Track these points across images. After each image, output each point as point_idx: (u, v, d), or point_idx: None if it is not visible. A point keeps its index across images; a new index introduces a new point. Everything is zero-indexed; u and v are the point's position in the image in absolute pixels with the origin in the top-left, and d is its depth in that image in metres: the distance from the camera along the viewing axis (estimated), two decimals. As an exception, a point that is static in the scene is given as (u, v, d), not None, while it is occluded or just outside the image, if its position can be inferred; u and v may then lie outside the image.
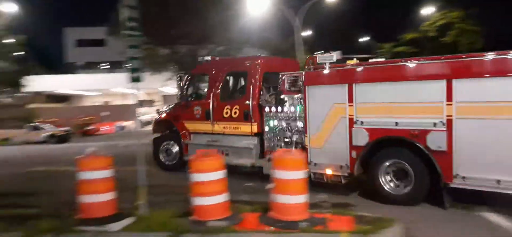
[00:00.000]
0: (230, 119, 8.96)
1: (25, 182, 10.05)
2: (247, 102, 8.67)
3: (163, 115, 10.66)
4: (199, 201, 5.60)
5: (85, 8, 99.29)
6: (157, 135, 10.70)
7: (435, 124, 6.18)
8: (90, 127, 33.10)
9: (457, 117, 5.98)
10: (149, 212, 6.10)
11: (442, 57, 6.33)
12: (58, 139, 25.71)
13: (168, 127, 10.37)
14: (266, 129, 8.48)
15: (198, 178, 5.60)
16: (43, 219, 5.94)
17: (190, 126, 9.76)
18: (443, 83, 6.05)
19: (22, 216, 6.21)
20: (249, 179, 8.95)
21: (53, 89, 44.03)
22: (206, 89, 9.56)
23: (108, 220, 5.73)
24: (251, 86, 8.68)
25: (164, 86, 27.43)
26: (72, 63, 54.08)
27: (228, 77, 9.40)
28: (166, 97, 40.70)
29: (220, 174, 5.70)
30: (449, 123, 6.06)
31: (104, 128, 33.88)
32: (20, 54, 24.32)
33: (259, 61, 8.85)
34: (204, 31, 19.34)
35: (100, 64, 54.54)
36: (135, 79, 6.17)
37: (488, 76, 5.71)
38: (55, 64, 59.18)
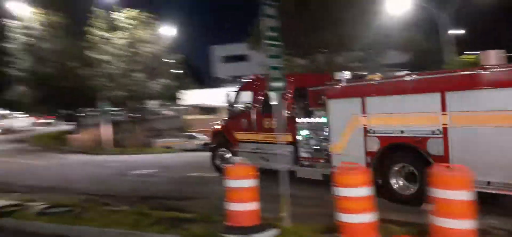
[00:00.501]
0: (269, 129, 9.85)
1: (182, 186, 11.04)
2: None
3: (218, 127, 12.30)
4: (345, 218, 5.23)
5: (230, 26, 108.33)
6: (214, 144, 12.39)
7: (433, 132, 7.02)
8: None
9: (451, 126, 6.78)
10: (292, 224, 5.99)
11: (437, 73, 7.48)
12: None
13: (222, 137, 11.86)
14: (299, 138, 9.68)
15: (343, 192, 5.25)
16: (195, 223, 6.38)
17: (238, 135, 11.26)
18: (438, 96, 6.89)
19: (179, 219, 6.78)
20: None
21: (205, 102, 49.08)
22: (250, 104, 10.97)
23: (253, 230, 5.79)
24: (288, 99, 9.70)
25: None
26: (220, 77, 59.42)
27: (268, 93, 9.27)
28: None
29: (367, 190, 5.25)
30: (445, 131, 6.86)
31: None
32: (178, 72, 27.87)
33: (291, 79, 9.75)
34: (342, 38, 18.85)
35: (244, 78, 58.45)
36: (276, 89, 6.17)
37: (477, 89, 6.44)
38: (205, 79, 65.82)
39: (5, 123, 40.93)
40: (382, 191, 7.53)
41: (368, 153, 7.97)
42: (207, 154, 13.00)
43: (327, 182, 7.50)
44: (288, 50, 17.53)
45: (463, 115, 6.66)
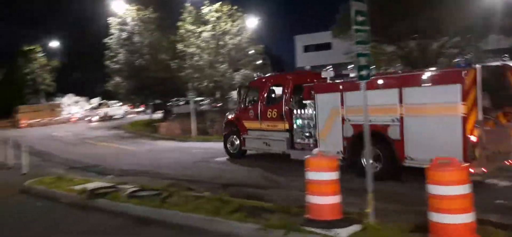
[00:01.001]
0: (271, 119, 12.32)
1: (261, 175, 11.04)
2: (282, 106, 11.94)
3: (230, 117, 14.57)
4: (439, 218, 4.73)
5: (313, 15, 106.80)
6: (226, 132, 14.49)
7: (393, 120, 8.76)
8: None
9: (405, 115, 8.56)
10: (377, 221, 5.62)
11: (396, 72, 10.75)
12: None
13: (233, 126, 14.01)
14: (294, 126, 11.58)
15: (438, 190, 4.75)
16: (275, 213, 6.29)
17: (247, 124, 13.35)
18: (396, 91, 8.65)
19: (258, 208, 6.76)
20: (500, 195, 7.33)
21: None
22: (256, 98, 13.04)
23: (335, 225, 5.53)
24: (284, 95, 12.01)
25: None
26: (301, 67, 58.94)
27: (270, 89, 12.73)
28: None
29: (465, 189, 4.69)
30: (401, 119, 8.63)
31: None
32: (259, 63, 28.10)
33: (290, 77, 12.42)
34: (436, 23, 17.29)
35: (326, 67, 57.28)
36: (364, 77, 5.79)
37: (427, 85, 8.39)
38: (287, 69, 65.73)
39: (103, 111, 45.17)
40: (354, 168, 9.34)
41: (344, 138, 9.89)
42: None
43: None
44: (375, 37, 16.61)
45: (413, 107, 8.55)
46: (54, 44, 52.51)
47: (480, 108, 7.78)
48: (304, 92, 11.19)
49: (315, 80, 11.14)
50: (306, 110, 11.21)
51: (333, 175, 5.69)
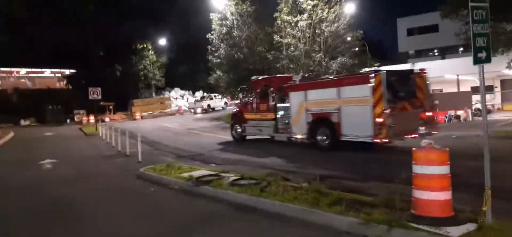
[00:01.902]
0: (263, 111, 16.85)
1: (360, 167, 10.72)
2: (270, 102, 16.57)
3: (235, 111, 19.56)
4: None
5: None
6: (232, 121, 19.34)
7: (335, 109, 13.29)
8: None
9: (341, 106, 13.09)
10: (494, 220, 5.01)
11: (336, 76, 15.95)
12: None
13: (237, 117, 18.68)
14: (278, 116, 15.94)
15: None
16: (377, 207, 5.99)
17: (247, 115, 17.82)
18: (335, 89, 13.32)
19: (359, 202, 6.51)
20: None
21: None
22: (253, 95, 17.54)
23: (445, 222, 5.07)
24: (271, 93, 16.51)
25: (507, 69, 23.22)
26: (404, 52, 55.27)
27: (263, 88, 17.08)
28: (505, 83, 34.07)
29: None
30: (339, 109, 13.15)
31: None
32: (357, 49, 27.01)
33: (275, 79, 17.08)
34: None
35: (431, 51, 53.00)
36: (482, 60, 5.16)
37: (353, 85, 12.82)
38: (388, 55, 62.25)
39: (205, 103, 47.86)
40: (315, 144, 14.12)
41: (307, 123, 14.36)
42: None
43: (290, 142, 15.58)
44: (494, 15, 14.82)
45: (345, 100, 12.89)
46: (162, 41, 56.99)
47: (385, 100, 11.86)
48: (283, 91, 15.80)
49: (289, 82, 15.81)
50: (285, 104, 15.67)
51: (444, 169, 5.22)
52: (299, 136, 14.95)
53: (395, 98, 12.27)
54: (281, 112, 15.84)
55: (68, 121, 47.67)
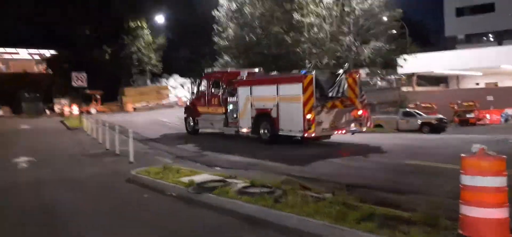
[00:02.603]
0: (214, 105, 20.09)
1: (396, 176, 10.63)
2: (219, 96, 19.71)
3: (188, 104, 23.09)
4: None
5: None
6: (185, 115, 22.64)
7: (274, 105, 16.60)
8: (470, 115, 32.34)
9: (279, 102, 16.46)
10: None
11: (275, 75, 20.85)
12: (431, 128, 26.49)
13: (190, 111, 21.98)
14: (228, 110, 19.21)
15: None
16: (416, 225, 5.93)
17: (200, 109, 21.10)
18: (275, 86, 16.77)
19: (394, 218, 6.45)
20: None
21: (428, 70, 45.58)
22: (205, 89, 20.94)
23: (500, 246, 5.00)
24: (221, 88, 19.71)
25: None
26: (452, 37, 54.51)
27: (214, 82, 20.53)
28: None
29: None
30: (277, 105, 16.48)
31: (489, 117, 32.19)
32: (395, 32, 26.54)
33: (225, 74, 20.39)
34: None
35: (485, 36, 52.22)
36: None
37: (288, 84, 16.43)
38: (432, 40, 61.55)
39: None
40: (258, 137, 17.55)
41: (252, 118, 17.64)
42: (428, 137, 12.27)
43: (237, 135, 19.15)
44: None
45: (282, 97, 16.38)
46: (160, 19, 56.67)
47: (315, 99, 15.40)
48: (233, 86, 19.03)
49: (238, 77, 19.13)
50: (234, 98, 18.83)
51: (499, 181, 5.13)
52: (245, 130, 18.47)
53: (326, 97, 16.25)
54: (230, 107, 19.18)
55: (48, 111, 48.38)
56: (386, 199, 7.98)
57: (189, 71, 60.21)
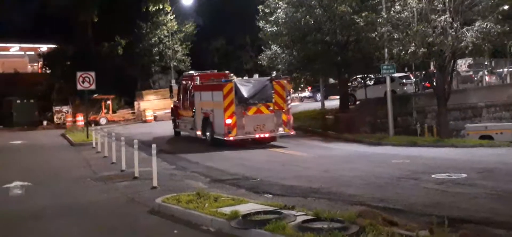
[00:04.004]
0: (186, 108, 28.17)
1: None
2: (188, 99, 28.03)
3: (172, 105, 31.79)
4: None
5: None
6: (172, 117, 31.88)
7: (211, 110, 24.60)
8: None
9: (213, 108, 24.41)
10: None
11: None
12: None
13: (174, 113, 31.24)
14: (194, 113, 26.92)
15: None
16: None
17: (180, 111, 29.71)
18: (211, 93, 25.16)
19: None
20: None
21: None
22: (182, 92, 29.41)
23: None
24: (188, 90, 28.11)
25: None
26: None
27: (186, 85, 28.56)
28: None
29: None
30: (212, 110, 24.50)
31: None
32: (507, 8, 25.53)
33: (194, 78, 27.36)
34: None
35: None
36: None
37: (216, 91, 24.35)
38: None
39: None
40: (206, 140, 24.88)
41: (201, 121, 25.57)
42: None
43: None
44: None
45: (215, 103, 24.12)
46: (187, 0, 56.96)
47: (235, 105, 22.58)
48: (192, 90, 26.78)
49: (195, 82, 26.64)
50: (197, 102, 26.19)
51: None
52: (198, 132, 25.59)
53: (248, 103, 22.98)
54: (194, 110, 26.34)
55: (45, 122, 49.74)
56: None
57: (225, 67, 60.35)
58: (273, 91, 23.23)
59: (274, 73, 27.91)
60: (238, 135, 22.63)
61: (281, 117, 23.08)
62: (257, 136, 23.15)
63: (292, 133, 23.82)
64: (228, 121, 22.36)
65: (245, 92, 22.88)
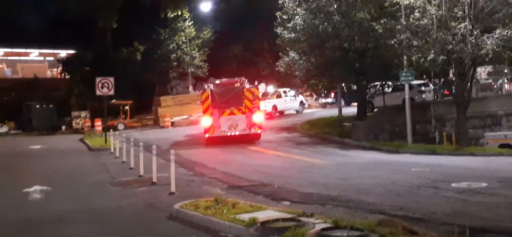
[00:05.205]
0: None
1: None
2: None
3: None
4: None
5: None
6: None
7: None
8: None
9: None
10: None
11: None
12: None
13: None
14: None
15: None
16: None
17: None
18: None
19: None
20: None
21: None
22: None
23: None
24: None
25: None
26: None
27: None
28: None
29: None
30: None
31: None
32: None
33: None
34: None
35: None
36: None
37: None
38: None
39: (270, 104, 47.37)
40: None
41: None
42: None
43: None
44: None
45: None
46: (205, 6, 57.12)
47: (211, 108, 27.71)
48: None
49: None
50: None
51: None
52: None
53: (222, 106, 27.48)
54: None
55: (63, 127, 50.20)
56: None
57: (243, 73, 60.46)
58: (243, 96, 27.86)
59: (246, 82, 29.99)
60: (216, 133, 27.39)
61: (251, 118, 27.62)
62: (232, 133, 27.44)
63: (260, 130, 28.35)
64: (206, 120, 27.70)
65: (224, 97, 27.81)
